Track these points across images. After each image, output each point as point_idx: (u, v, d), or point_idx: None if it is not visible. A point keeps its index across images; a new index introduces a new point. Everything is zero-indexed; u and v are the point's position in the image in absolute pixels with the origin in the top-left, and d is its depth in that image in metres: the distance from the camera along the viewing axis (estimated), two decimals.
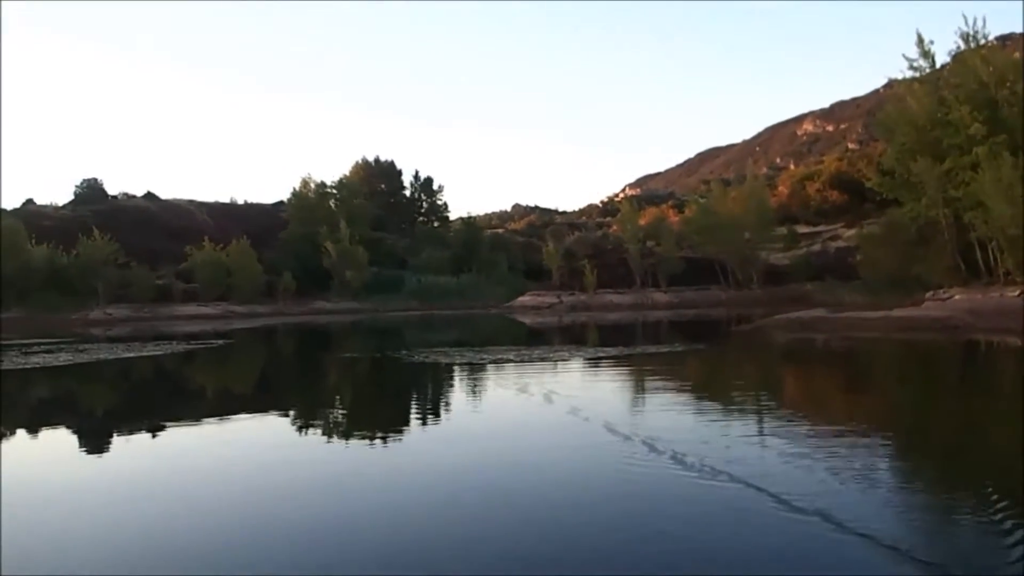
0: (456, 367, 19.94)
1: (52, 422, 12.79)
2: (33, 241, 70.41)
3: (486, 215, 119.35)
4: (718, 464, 7.41)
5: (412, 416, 12.63)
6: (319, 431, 11.38)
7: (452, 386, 16.95)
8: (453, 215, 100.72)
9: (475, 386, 16.36)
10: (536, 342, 29.29)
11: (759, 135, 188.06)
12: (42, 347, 29.28)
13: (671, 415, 11.08)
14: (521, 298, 65.09)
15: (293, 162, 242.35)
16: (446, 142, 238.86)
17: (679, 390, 14.84)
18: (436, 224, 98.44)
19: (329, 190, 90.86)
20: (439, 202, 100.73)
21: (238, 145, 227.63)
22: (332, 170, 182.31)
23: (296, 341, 37.38)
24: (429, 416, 12.52)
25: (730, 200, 64.62)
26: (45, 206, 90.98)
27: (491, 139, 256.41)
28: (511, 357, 21.06)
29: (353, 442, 10.47)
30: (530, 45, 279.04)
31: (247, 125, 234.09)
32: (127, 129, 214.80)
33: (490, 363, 19.84)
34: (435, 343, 27.96)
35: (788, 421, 10.61)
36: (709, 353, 23.26)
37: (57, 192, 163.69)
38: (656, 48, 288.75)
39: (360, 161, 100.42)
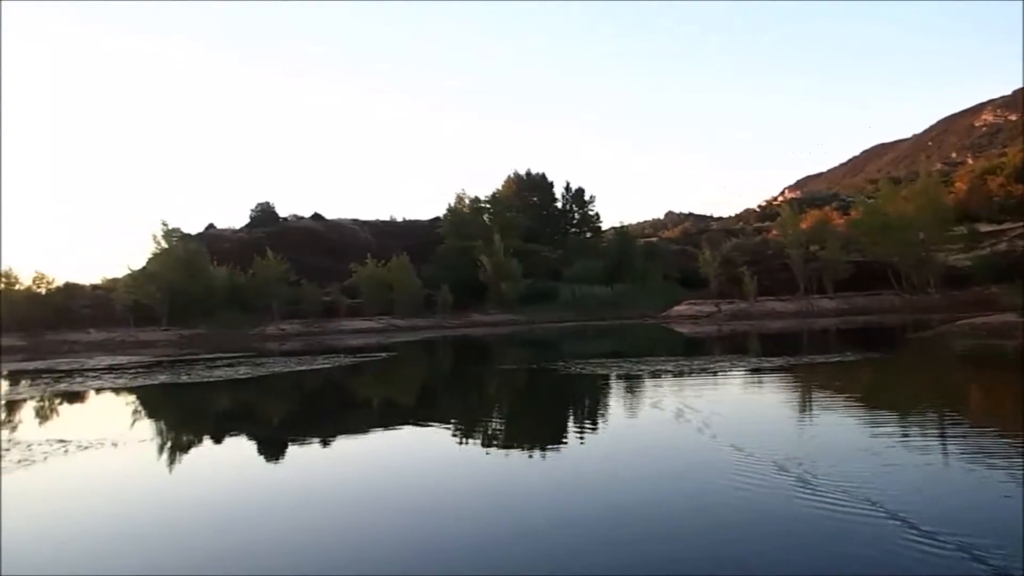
0: (612, 379, 19.56)
1: (234, 431, 13.47)
2: (215, 263, 75.69)
3: (639, 224, 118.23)
4: (865, 492, 6.74)
5: (562, 429, 12.39)
6: (478, 442, 11.36)
7: (604, 399, 16.58)
8: (605, 225, 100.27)
9: (626, 399, 15.92)
10: (695, 352, 28.40)
11: (931, 129, 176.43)
12: (224, 361, 31.30)
13: (830, 431, 10.31)
14: (677, 307, 63.58)
15: (448, 179, 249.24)
16: (597, 152, 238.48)
17: (846, 403, 13.79)
18: (588, 235, 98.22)
19: (483, 205, 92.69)
20: (591, 212, 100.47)
21: (397, 164, 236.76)
22: (485, 185, 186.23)
23: (455, 353, 38.10)
24: (574, 429, 12.24)
25: (901, 199, 60.52)
26: (224, 230, 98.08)
27: (642, 146, 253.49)
28: (669, 368, 20.46)
29: (507, 453, 10.34)
30: (683, 49, 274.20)
31: (405, 144, 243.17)
32: (296, 154, 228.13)
33: (648, 375, 19.33)
34: (591, 354, 27.64)
35: (975, 440, 9.57)
36: (883, 363, 21.66)
37: (235, 216, 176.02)
38: (815, 42, 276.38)
39: (512, 175, 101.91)
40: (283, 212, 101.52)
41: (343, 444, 11.60)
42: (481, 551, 5.90)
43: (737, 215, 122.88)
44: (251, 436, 13.02)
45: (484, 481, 8.52)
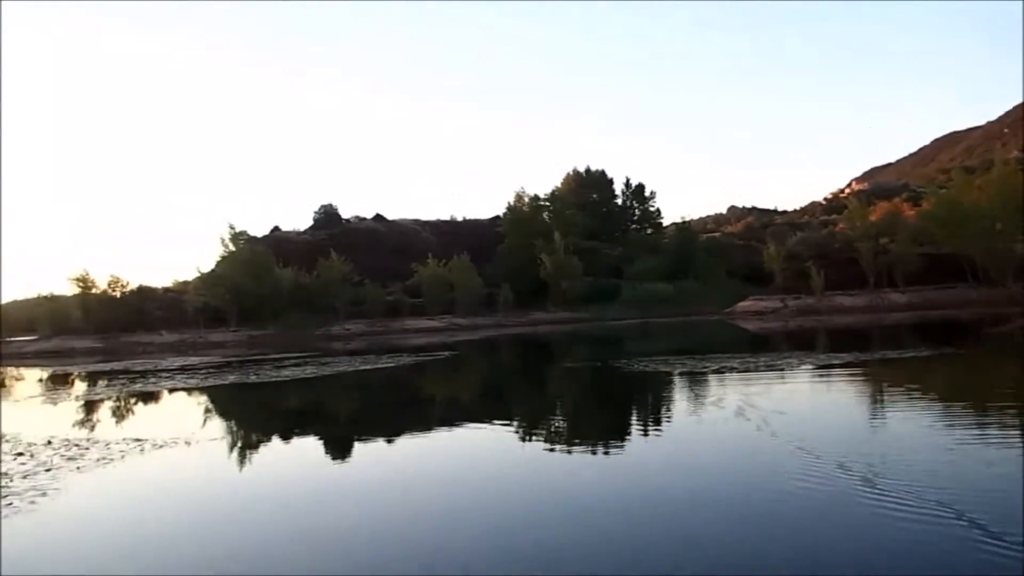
0: (675, 376, 19.36)
1: (302, 430, 13.74)
2: (280, 264, 77.27)
3: (700, 219, 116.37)
4: (934, 493, 6.55)
5: (623, 428, 12.29)
6: (541, 440, 11.35)
7: (668, 397, 16.41)
8: (666, 221, 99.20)
9: (690, 396, 15.70)
10: (761, 349, 27.91)
11: (1006, 115, 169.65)
12: (291, 361, 31.94)
13: (900, 430, 10.01)
14: (742, 303, 62.54)
15: (508, 178, 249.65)
16: (657, 148, 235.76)
17: (918, 400, 13.36)
18: (649, 231, 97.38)
19: (542, 203, 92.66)
20: (651, 208, 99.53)
21: (457, 165, 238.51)
22: (544, 183, 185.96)
23: (517, 352, 38.18)
24: (637, 428, 12.12)
25: (976, 189, 58.41)
26: (289, 232, 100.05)
27: (702, 140, 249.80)
28: (734, 365, 20.14)
29: (569, 450, 10.31)
30: (747, 45, 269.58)
31: (465, 144, 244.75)
32: (359, 156, 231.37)
33: (712, 372, 19.07)
34: (654, 352, 27.39)
35: None
36: (959, 359, 20.95)
37: (299, 218, 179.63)
38: (879, 25, 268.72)
39: (571, 172, 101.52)
40: (346, 214, 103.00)
41: (408, 442, 11.72)
42: (548, 548, 5.89)
43: (802, 208, 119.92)
44: (318, 435, 13.26)
45: (547, 479, 8.51)
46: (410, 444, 11.60)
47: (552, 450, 10.54)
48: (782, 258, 67.45)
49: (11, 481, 9.27)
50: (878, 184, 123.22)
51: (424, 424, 13.18)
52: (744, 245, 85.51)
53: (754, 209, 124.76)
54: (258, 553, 6.24)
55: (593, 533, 6.27)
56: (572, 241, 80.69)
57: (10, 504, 8.06)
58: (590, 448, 10.57)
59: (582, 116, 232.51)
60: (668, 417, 13.12)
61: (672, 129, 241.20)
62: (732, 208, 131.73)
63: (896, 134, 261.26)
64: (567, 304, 74.96)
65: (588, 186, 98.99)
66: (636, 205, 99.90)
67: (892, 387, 15.37)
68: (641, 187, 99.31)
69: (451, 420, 13.35)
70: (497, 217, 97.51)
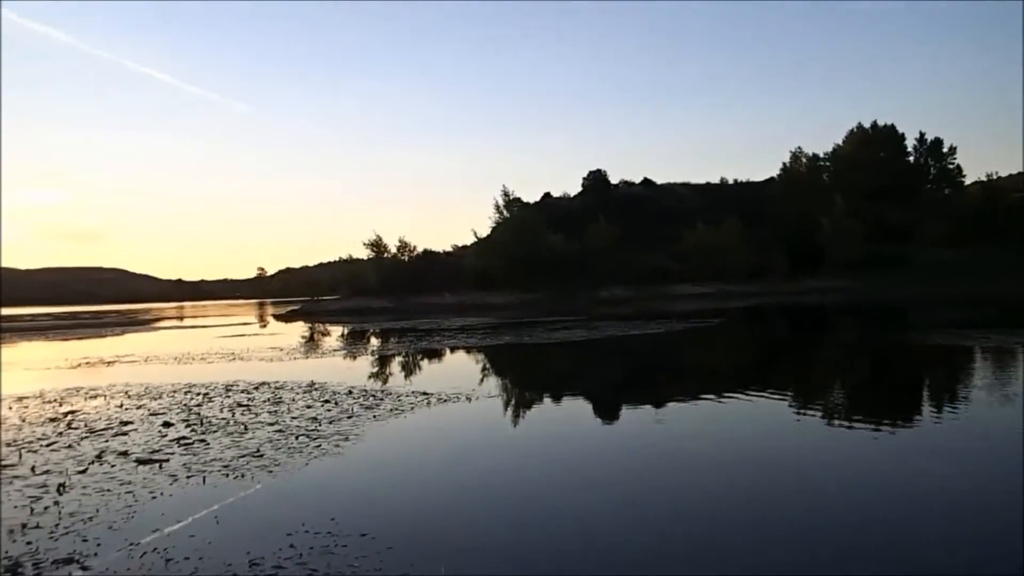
0: (976, 353, 17.31)
1: (573, 391, 14.05)
2: (551, 230, 79.65)
3: (1010, 176, 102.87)
4: None
5: (904, 407, 11.12)
6: (816, 414, 10.63)
7: (963, 376, 14.66)
8: (970, 179, 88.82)
9: (992, 375, 13.88)
10: None
11: None
12: (561, 324, 32.87)
13: None
14: None
15: (783, 137, 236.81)
16: (959, 96, 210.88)
17: None
18: (947, 191, 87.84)
19: (821, 163, 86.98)
20: (950, 166, 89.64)
21: (727, 125, 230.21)
22: (824, 141, 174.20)
23: (788, 321, 36.30)
24: (929, 408, 10.89)
25: None
26: (559, 198, 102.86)
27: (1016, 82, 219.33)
28: None
29: (849, 426, 9.51)
30: None
31: (735, 106, 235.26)
32: (628, 120, 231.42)
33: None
34: (949, 324, 24.69)
35: None
36: None
37: (569, 184, 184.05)
38: None
39: (855, 129, 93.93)
40: (614, 178, 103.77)
41: (676, 409, 11.55)
42: (830, 524, 5.51)
43: None
44: (588, 397, 13.48)
45: (826, 454, 7.96)
46: (678, 411, 11.40)
47: (830, 425, 9.84)
48: None
49: (319, 425, 10.38)
50: None
51: (691, 391, 12.89)
52: None
53: None
54: (526, 505, 6.44)
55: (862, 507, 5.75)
56: (854, 204, 75.01)
57: (319, 446, 9.03)
58: (873, 426, 9.69)
59: (870, 63, 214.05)
60: (966, 398, 11.73)
61: (977, 72, 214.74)
62: None
63: None
64: (845, 271, 70.00)
65: (875, 143, 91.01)
66: (931, 163, 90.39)
67: None
68: (938, 142, 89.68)
69: (718, 389, 12.92)
70: (771, 179, 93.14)
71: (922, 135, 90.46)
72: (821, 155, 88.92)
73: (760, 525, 5.81)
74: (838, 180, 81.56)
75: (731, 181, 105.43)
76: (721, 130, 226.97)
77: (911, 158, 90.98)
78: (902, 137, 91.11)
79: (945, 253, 69.60)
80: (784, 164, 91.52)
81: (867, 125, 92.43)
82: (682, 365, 19.17)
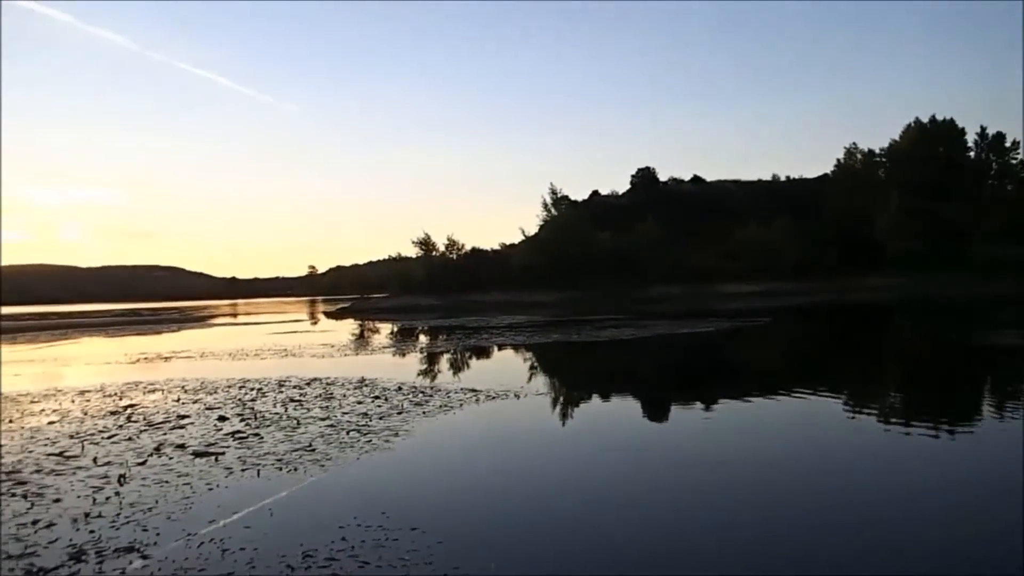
0: None
1: (621, 390, 13.99)
2: (599, 227, 79.42)
3: None
4: None
5: (967, 409, 10.82)
6: (872, 415, 10.42)
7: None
8: None
9: None
10: None
11: None
12: (609, 322, 32.74)
13: None
14: None
15: (836, 133, 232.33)
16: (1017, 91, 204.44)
17: None
18: (1009, 187, 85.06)
19: (877, 158, 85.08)
20: (1012, 161, 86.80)
21: (779, 121, 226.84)
22: (880, 137, 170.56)
23: (840, 320, 35.59)
24: (989, 409, 10.58)
25: None
26: (607, 195, 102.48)
27: None
28: None
29: (907, 429, 9.30)
30: None
31: (788, 99, 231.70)
32: (678, 118, 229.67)
33: None
34: (1015, 324, 23.99)
35: None
36: None
37: (618, 182, 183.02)
38: None
39: (912, 123, 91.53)
40: (663, 176, 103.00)
41: (726, 408, 11.42)
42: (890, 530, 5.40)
43: None
44: (637, 395, 13.41)
45: (885, 457, 7.80)
46: (728, 411, 11.27)
47: (887, 429, 9.64)
48: None
49: (370, 420, 10.51)
50: None
51: (741, 391, 12.73)
52: None
53: None
54: (569, 512, 6.44)
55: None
56: (911, 200, 73.23)
57: (369, 441, 9.14)
58: (931, 429, 9.46)
59: (928, 59, 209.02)
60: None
61: None
62: None
63: None
64: (902, 269, 68.42)
65: (933, 138, 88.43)
66: (993, 159, 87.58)
67: None
68: (1001, 137, 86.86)
69: (768, 389, 12.72)
70: (825, 175, 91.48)
71: (983, 129, 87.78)
72: (877, 150, 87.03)
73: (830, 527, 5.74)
74: (894, 175, 79.69)
75: (783, 178, 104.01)
76: (772, 127, 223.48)
77: (971, 153, 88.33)
78: (962, 132, 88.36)
79: (1007, 250, 67.45)
80: (838, 160, 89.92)
81: (925, 119, 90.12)
82: (732, 364, 18.93)
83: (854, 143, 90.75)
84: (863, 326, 31.53)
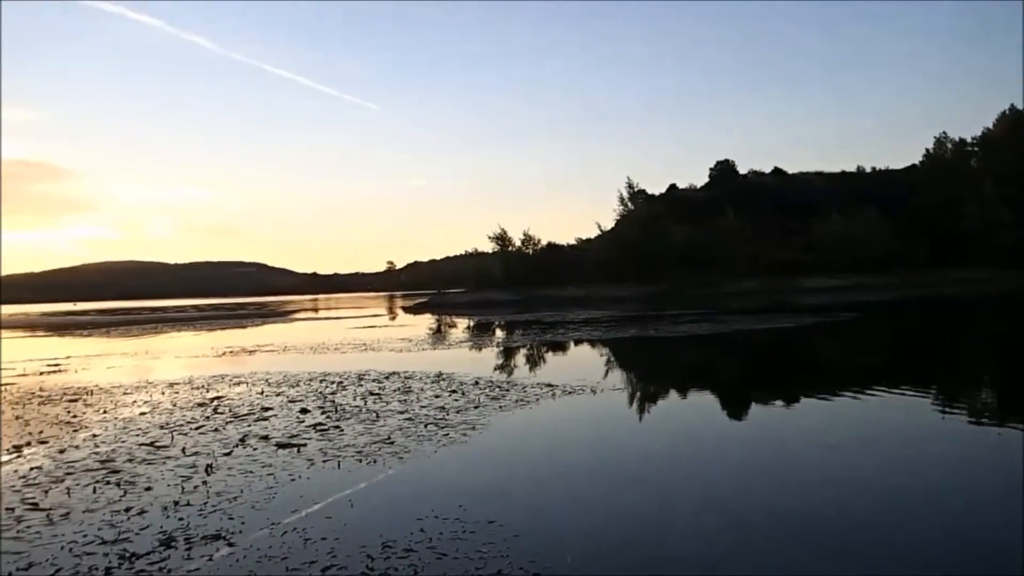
0: None
1: (699, 386, 13.76)
2: (676, 222, 78.42)
3: None
4: None
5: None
6: (963, 415, 9.97)
7: None
8: None
9: None
10: None
11: None
12: (688, 317, 32.28)
13: None
14: None
15: (925, 123, 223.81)
16: None
17: None
18: None
19: (969, 148, 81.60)
20: None
21: (868, 112, 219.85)
22: (973, 125, 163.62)
23: (929, 316, 34.18)
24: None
25: None
26: (685, 189, 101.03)
27: None
28: None
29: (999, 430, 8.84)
30: None
31: (867, 93, 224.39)
32: (758, 111, 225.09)
33: None
34: None
35: None
36: None
37: (696, 175, 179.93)
38: None
39: (1007, 111, 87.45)
40: (743, 169, 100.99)
41: (809, 406, 11.10)
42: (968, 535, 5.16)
43: None
44: (715, 391, 13.16)
45: (984, 460, 7.46)
46: (811, 409, 10.95)
47: (981, 429, 9.21)
48: None
49: (447, 414, 10.58)
50: None
51: (824, 389, 12.34)
52: None
53: None
54: (640, 506, 6.35)
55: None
56: (1006, 191, 69.97)
57: (447, 435, 9.21)
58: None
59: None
60: None
61: None
62: None
63: None
64: (995, 261, 65.45)
65: None
66: None
67: None
68: None
69: (854, 387, 12.30)
70: (913, 166, 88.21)
71: None
72: (968, 140, 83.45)
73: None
74: (987, 165, 76.24)
75: (868, 169, 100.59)
76: (857, 118, 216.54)
77: None
78: None
79: None
80: (927, 150, 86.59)
81: (1020, 107, 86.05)
82: (813, 362, 18.41)
83: (944, 132, 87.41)
84: (956, 322, 30.09)
